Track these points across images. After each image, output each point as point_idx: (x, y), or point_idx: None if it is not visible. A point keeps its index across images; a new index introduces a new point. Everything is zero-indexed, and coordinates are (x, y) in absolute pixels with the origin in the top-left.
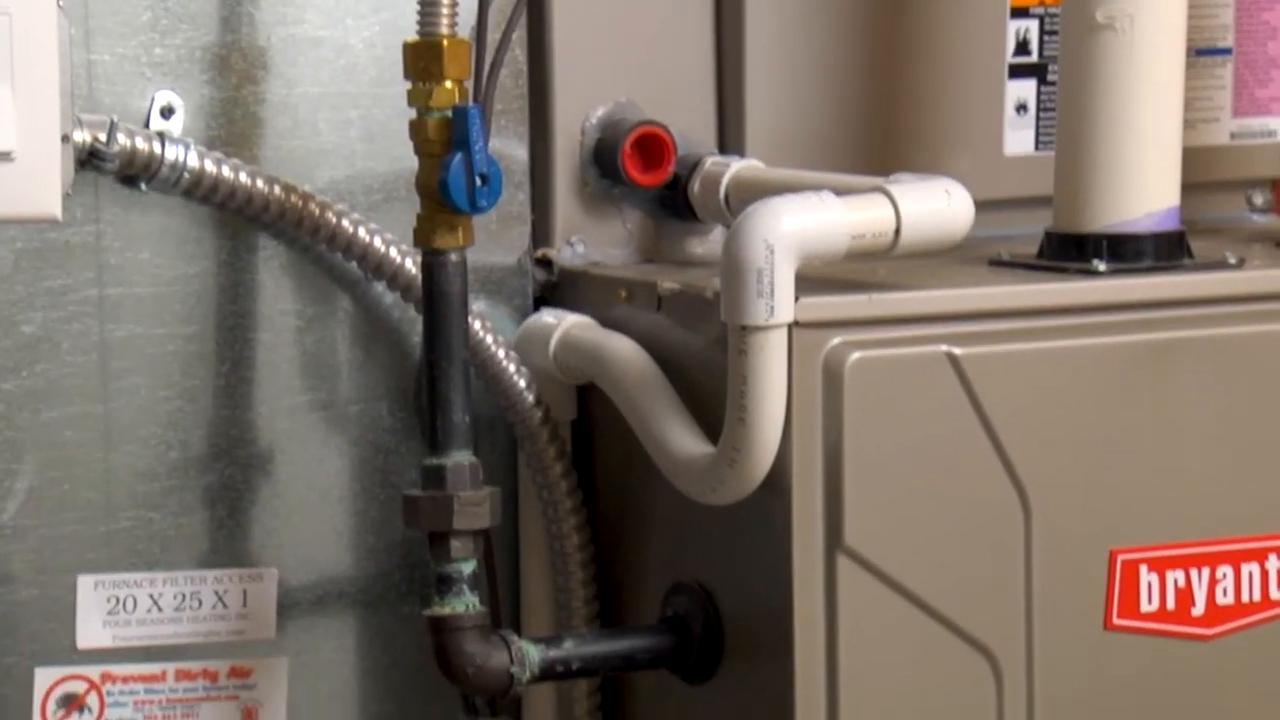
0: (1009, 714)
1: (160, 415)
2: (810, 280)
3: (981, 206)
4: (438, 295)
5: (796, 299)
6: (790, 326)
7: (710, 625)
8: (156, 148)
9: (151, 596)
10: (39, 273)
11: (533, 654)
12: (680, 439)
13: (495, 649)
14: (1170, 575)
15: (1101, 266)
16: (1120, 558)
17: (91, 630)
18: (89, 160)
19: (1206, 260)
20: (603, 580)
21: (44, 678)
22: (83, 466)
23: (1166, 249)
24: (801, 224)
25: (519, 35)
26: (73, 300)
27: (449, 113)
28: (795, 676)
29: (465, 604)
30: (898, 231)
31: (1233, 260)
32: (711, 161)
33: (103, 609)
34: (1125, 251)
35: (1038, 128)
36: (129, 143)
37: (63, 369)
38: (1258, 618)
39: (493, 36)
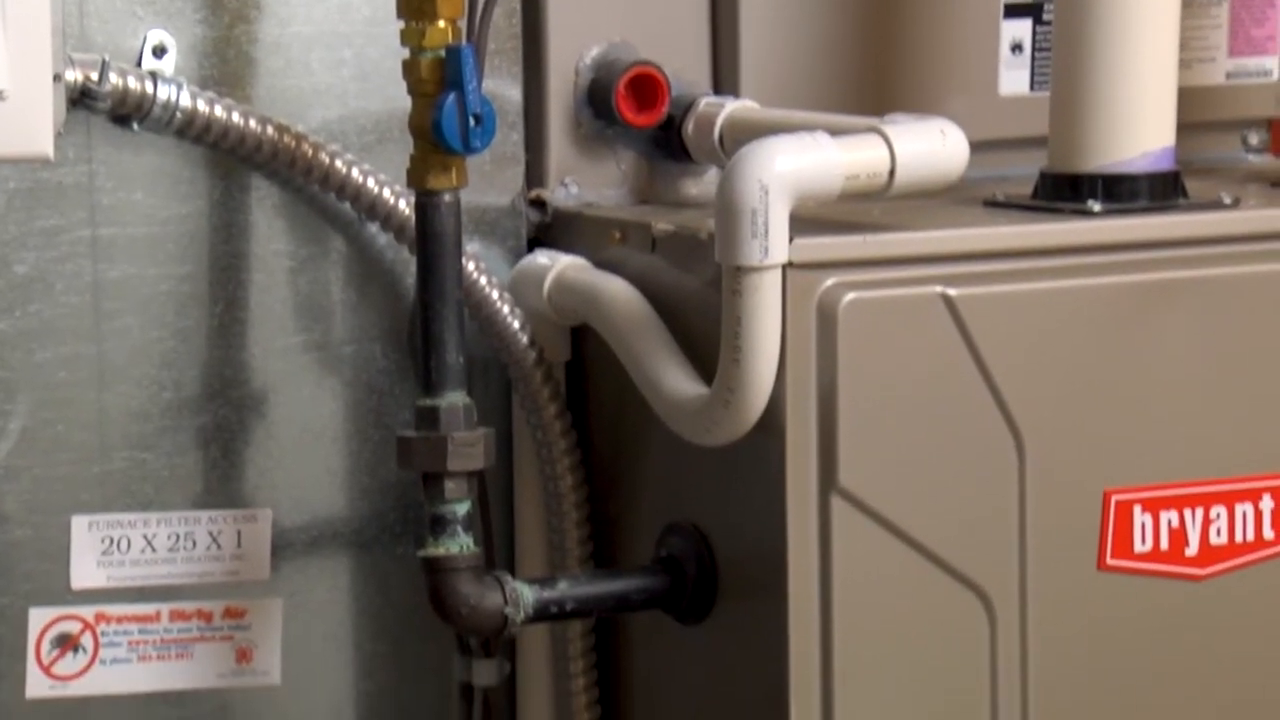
0: (1002, 654)
1: (154, 356)
2: (805, 221)
3: (976, 147)
4: (431, 236)
5: (791, 240)
6: (784, 267)
7: (704, 566)
8: (149, 87)
9: (145, 537)
10: (31, 213)
11: (527, 595)
12: (674, 380)
13: (489, 590)
14: (1164, 515)
15: (1096, 207)
16: (1114, 498)
17: (85, 571)
18: (81, 100)
19: (1201, 200)
20: (597, 521)
21: (38, 618)
22: (76, 407)
23: (1161, 189)
24: (796, 164)
25: None
26: (65, 240)
27: (442, 52)
28: (789, 617)
29: (459, 545)
30: (892, 172)
31: (1228, 200)
32: (706, 102)
33: (97, 549)
34: (1120, 192)
35: (1033, 68)
36: (121, 82)
37: (56, 309)
38: (1251, 558)
39: None
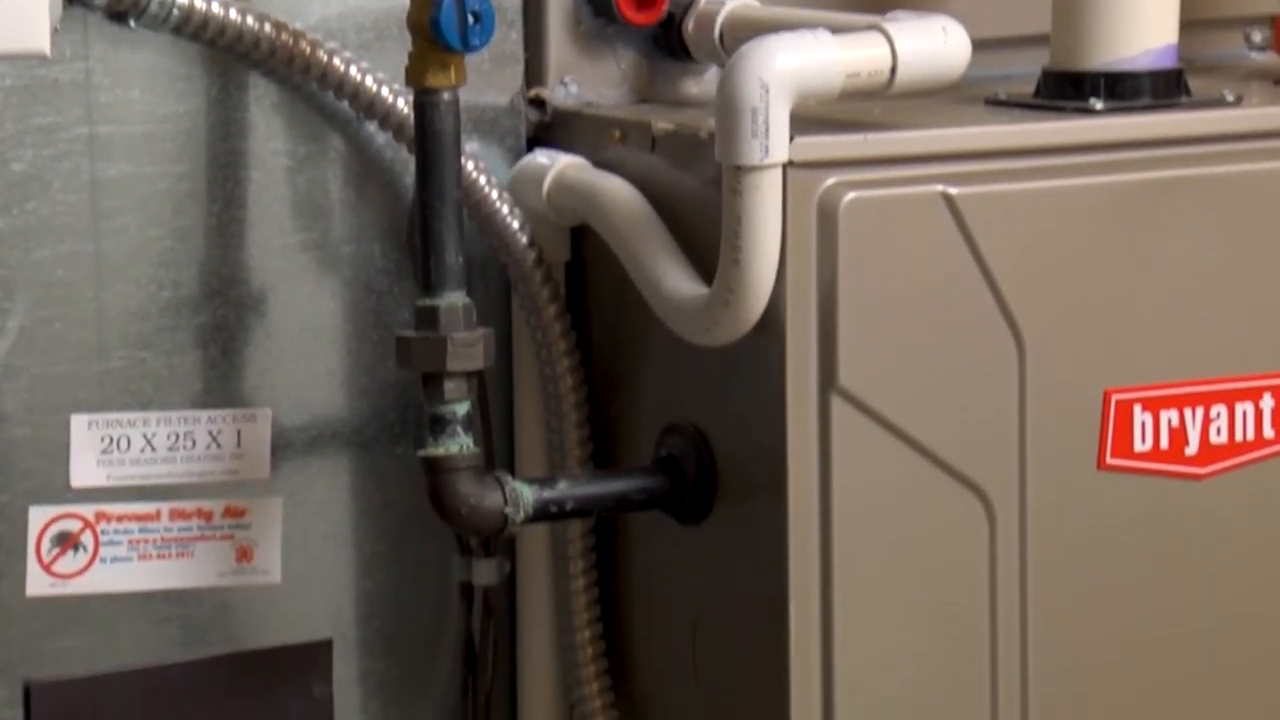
0: (1001, 554)
1: (152, 255)
2: (805, 120)
3: (978, 45)
4: (430, 135)
5: (791, 139)
6: (785, 166)
7: (704, 466)
8: None
9: (145, 436)
10: (28, 110)
11: (526, 495)
12: (674, 280)
13: (489, 490)
14: (1164, 415)
15: (1099, 105)
16: (1114, 397)
17: (85, 469)
18: None
19: (1204, 98)
20: (596, 422)
21: (38, 516)
22: (74, 306)
23: (1164, 87)
24: (797, 62)
25: None
26: (63, 138)
27: None
28: (789, 517)
29: (459, 445)
30: (894, 70)
31: (1230, 98)
32: (706, 0)
33: (96, 448)
34: (1123, 89)
35: None
36: None
37: (53, 207)
38: (1251, 457)
39: None
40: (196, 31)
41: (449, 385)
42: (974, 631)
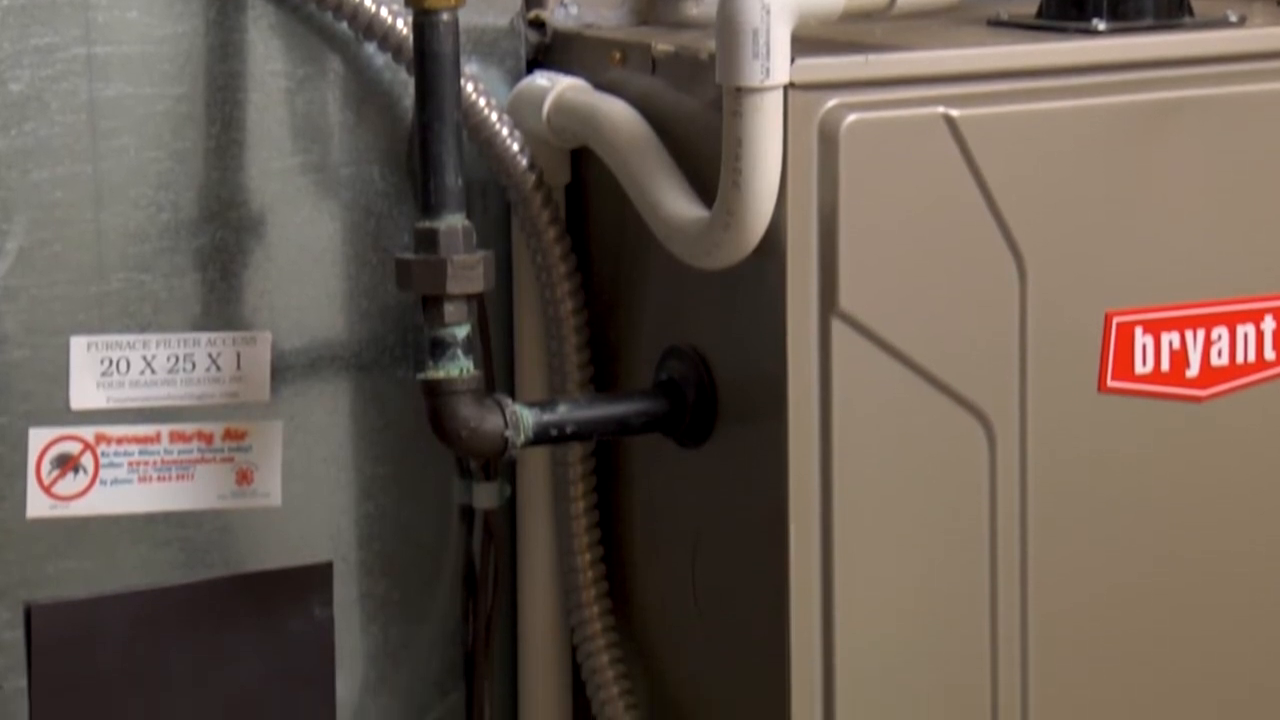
0: (1001, 477)
1: (150, 176)
2: (806, 41)
3: None
4: (429, 56)
5: (792, 60)
6: (786, 88)
7: (704, 389)
8: None
9: (144, 358)
10: (25, 30)
11: (527, 418)
12: (675, 203)
13: (489, 413)
14: (1165, 337)
15: (1101, 25)
16: (1115, 320)
17: (85, 391)
18: None
19: (1207, 19)
20: (596, 345)
21: (38, 438)
22: (73, 227)
23: (1167, 7)
24: None
25: None
26: (61, 59)
27: None
28: (789, 440)
29: (459, 368)
30: None
31: (1234, 18)
32: None
33: (96, 370)
34: (1125, 10)
35: None
36: None
37: (52, 128)
38: (1251, 379)
39: None
40: None
41: (449, 308)
42: (974, 553)
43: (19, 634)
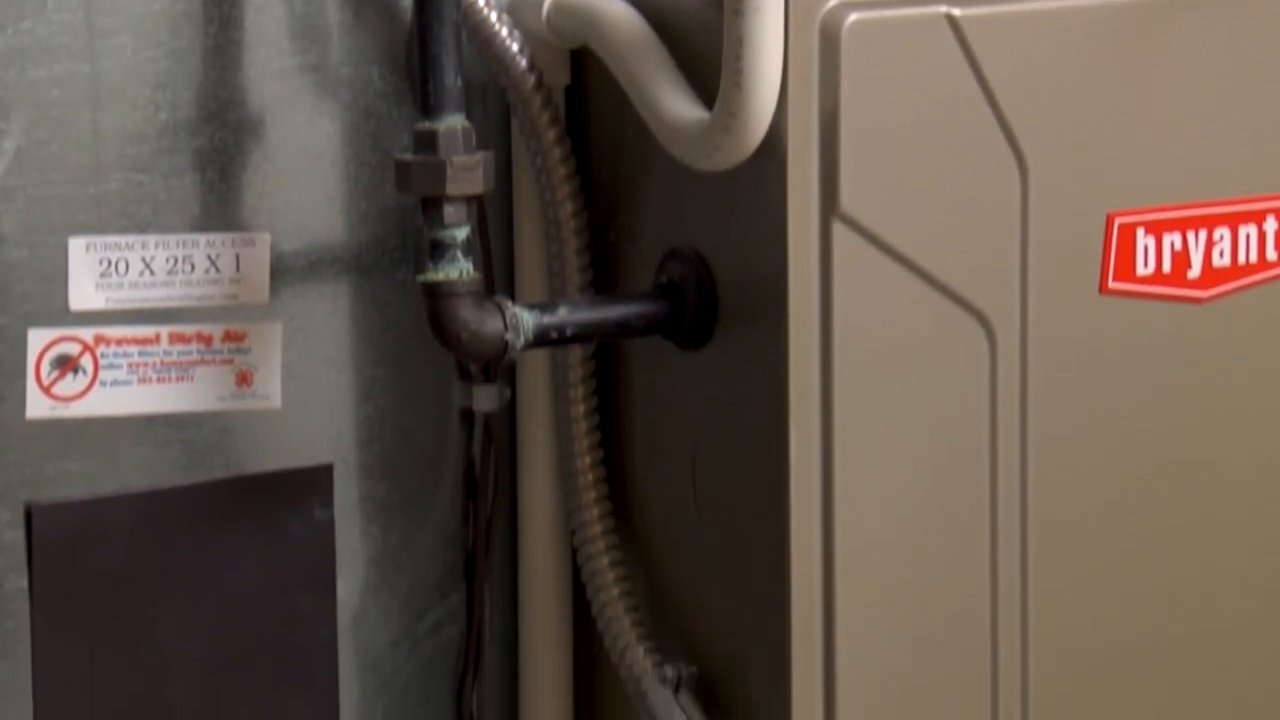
0: (1002, 379)
1: (148, 76)
2: None
3: None
4: None
5: None
6: None
7: (704, 291)
8: None
9: (143, 260)
10: None
11: (526, 320)
12: (675, 103)
13: (489, 315)
14: (1167, 237)
15: None
16: (1117, 220)
17: (83, 292)
18: None
19: None
20: (596, 248)
21: (37, 339)
22: (71, 127)
23: None
24: None
25: None
26: None
27: None
28: (789, 343)
29: (459, 270)
30: None
31: None
32: None
33: (94, 271)
34: None
35: None
36: None
37: (48, 26)
38: (1253, 279)
39: None
40: None
41: (448, 210)
42: (974, 455)
43: (19, 534)
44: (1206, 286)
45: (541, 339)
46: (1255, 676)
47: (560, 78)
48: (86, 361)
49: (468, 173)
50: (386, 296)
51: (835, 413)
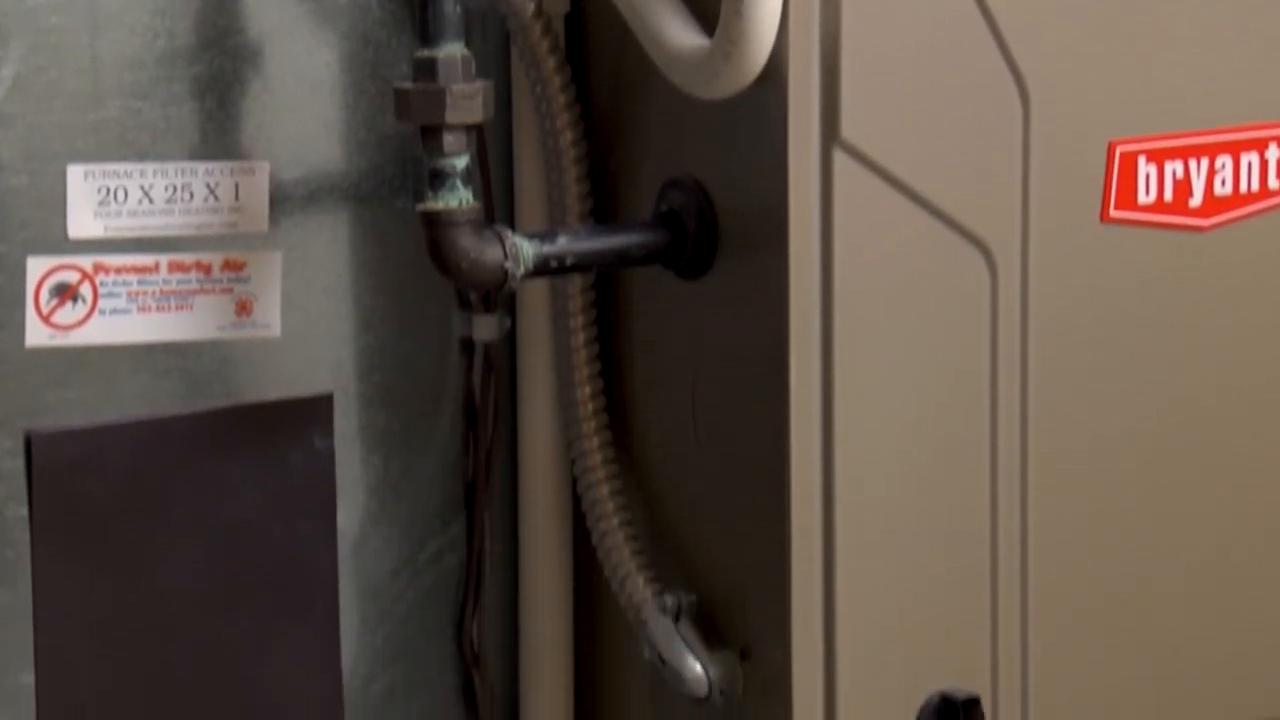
0: (1003, 308)
1: (146, 2)
2: None
3: None
4: None
5: None
6: None
7: (705, 221)
8: None
9: (142, 188)
10: None
11: (526, 249)
12: (676, 31)
13: (489, 244)
14: (1169, 166)
15: None
16: (1119, 149)
17: (82, 220)
18: None
19: None
20: (596, 177)
21: (36, 267)
22: (69, 53)
23: None
24: None
25: None
26: None
27: None
28: (790, 272)
29: (459, 199)
30: None
31: None
32: None
33: (93, 199)
34: None
35: None
36: None
37: None
38: (1255, 208)
39: None
40: None
41: (448, 138)
42: (975, 385)
43: (19, 462)
44: (1208, 215)
45: (541, 268)
46: (1258, 608)
47: (560, 5)
48: (85, 290)
49: (467, 101)
50: (386, 225)
51: (835, 342)
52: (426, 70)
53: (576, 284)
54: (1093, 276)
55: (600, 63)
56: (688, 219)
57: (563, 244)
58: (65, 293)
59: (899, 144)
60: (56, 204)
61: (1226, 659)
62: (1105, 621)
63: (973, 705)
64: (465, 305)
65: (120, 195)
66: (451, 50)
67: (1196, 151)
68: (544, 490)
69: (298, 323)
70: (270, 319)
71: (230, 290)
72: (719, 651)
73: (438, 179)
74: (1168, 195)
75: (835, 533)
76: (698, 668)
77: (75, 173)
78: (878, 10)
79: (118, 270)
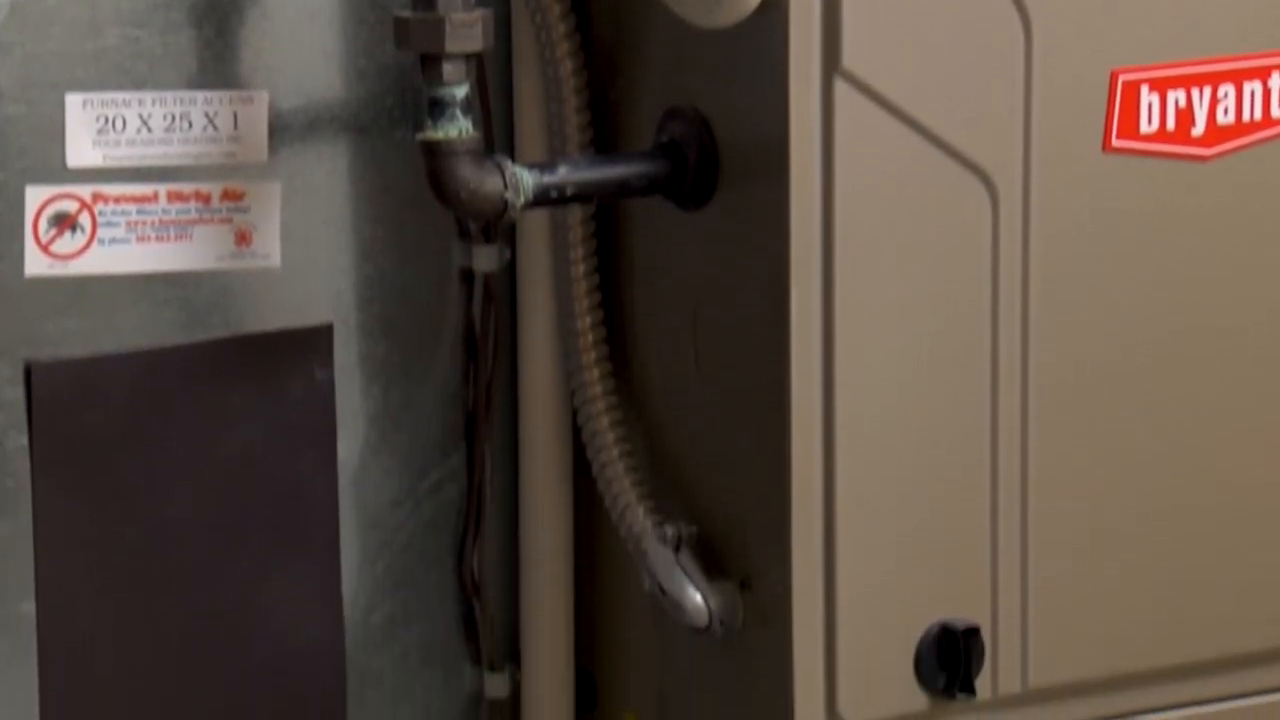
0: (1004, 239)
1: None
2: None
3: None
4: None
5: None
6: None
7: (705, 151)
8: None
9: (141, 117)
10: None
11: (526, 179)
12: None
13: (489, 174)
14: (1171, 95)
15: None
16: (1121, 78)
17: (81, 149)
18: None
19: None
20: (597, 107)
21: (34, 196)
22: None
23: None
24: None
25: None
26: None
27: None
28: (790, 202)
29: (458, 129)
30: None
31: None
32: None
33: (91, 128)
34: None
35: None
36: None
37: None
38: (1258, 137)
39: None
40: None
41: (447, 67)
42: (976, 315)
43: (19, 392)
44: (1210, 144)
45: (541, 198)
46: (1259, 535)
47: None
48: (84, 219)
49: (466, 29)
50: (385, 155)
51: (836, 272)
52: None
53: (576, 214)
54: (1094, 206)
55: None
56: (688, 149)
57: (563, 174)
58: (64, 222)
59: (900, 73)
60: (55, 133)
61: (1227, 587)
62: (1105, 550)
63: (972, 635)
64: (465, 236)
65: (119, 124)
66: None
67: (1199, 80)
68: (544, 421)
69: (297, 253)
70: (270, 249)
71: (229, 220)
72: (719, 582)
73: (437, 108)
74: (1170, 124)
75: (835, 462)
76: (698, 598)
77: (74, 101)
78: None
79: (116, 200)
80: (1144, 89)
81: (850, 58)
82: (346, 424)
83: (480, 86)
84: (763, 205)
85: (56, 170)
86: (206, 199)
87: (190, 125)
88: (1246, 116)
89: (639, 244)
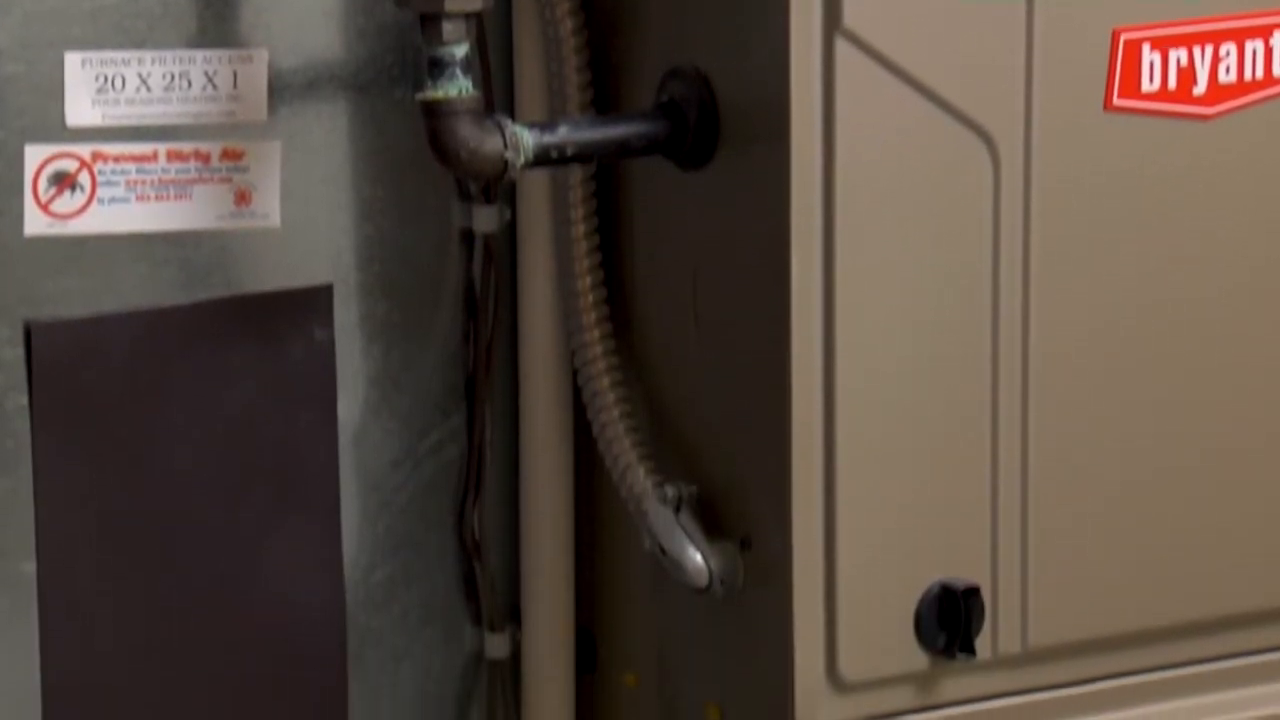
0: (1006, 198)
1: None
2: None
3: None
4: None
5: None
6: None
7: (706, 110)
8: None
9: (140, 76)
10: None
11: (527, 139)
12: None
13: (489, 134)
14: (1173, 54)
15: None
16: (1123, 36)
17: (80, 108)
18: None
19: None
20: (597, 67)
21: (34, 155)
22: None
23: None
24: None
25: None
26: None
27: None
28: (791, 162)
29: (458, 88)
30: None
31: None
32: None
33: (91, 87)
34: None
35: None
36: None
37: None
38: (1259, 96)
39: None
40: None
41: (447, 27)
42: (977, 275)
43: (19, 352)
44: (1212, 103)
45: (542, 158)
46: (1257, 497)
47: None
48: (84, 178)
49: None
50: (385, 115)
51: (837, 232)
52: None
53: (577, 174)
54: (1096, 165)
55: None
56: (689, 109)
57: (563, 134)
58: (64, 181)
59: (902, 32)
60: (54, 91)
61: (1226, 547)
62: (1104, 511)
63: (972, 594)
64: (465, 196)
65: (118, 83)
66: None
67: (1201, 39)
68: (544, 381)
69: (297, 213)
70: (269, 208)
71: (229, 180)
72: (719, 542)
73: (437, 68)
74: (1172, 83)
75: (836, 422)
76: (698, 558)
77: (73, 60)
78: None
79: (116, 159)
80: (1146, 48)
81: (851, 16)
82: (346, 384)
83: (480, 46)
84: (763, 165)
85: (56, 129)
86: (206, 158)
87: (190, 84)
88: (1248, 76)
89: (639, 204)
